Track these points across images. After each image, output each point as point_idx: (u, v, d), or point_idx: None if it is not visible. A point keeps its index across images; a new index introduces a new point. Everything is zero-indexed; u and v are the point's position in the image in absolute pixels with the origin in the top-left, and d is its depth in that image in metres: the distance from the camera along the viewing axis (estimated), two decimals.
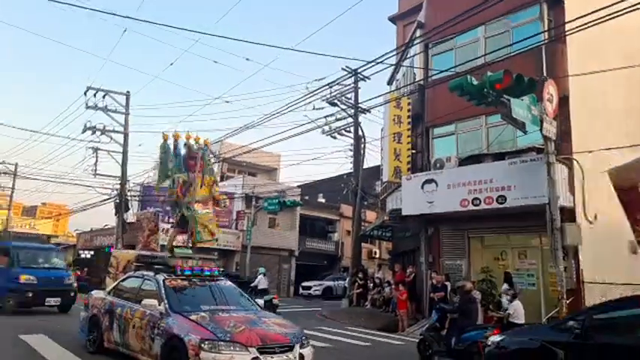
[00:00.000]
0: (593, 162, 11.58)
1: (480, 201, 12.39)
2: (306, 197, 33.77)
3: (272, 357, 5.95)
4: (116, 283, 8.48)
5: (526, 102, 9.78)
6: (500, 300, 11.65)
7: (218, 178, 13.00)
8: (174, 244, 9.21)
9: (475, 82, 9.15)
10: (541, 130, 9.88)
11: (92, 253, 30.60)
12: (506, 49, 11.22)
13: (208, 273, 8.02)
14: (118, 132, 21.61)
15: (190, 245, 8.97)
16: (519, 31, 12.87)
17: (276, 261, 30.44)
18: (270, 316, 7.41)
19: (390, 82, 21.96)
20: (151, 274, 7.70)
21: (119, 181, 22.05)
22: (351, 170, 22.31)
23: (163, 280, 7.30)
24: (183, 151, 9.11)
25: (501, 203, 11.94)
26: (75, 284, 14.76)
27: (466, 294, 9.10)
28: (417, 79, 16.62)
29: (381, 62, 11.68)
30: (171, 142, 9.17)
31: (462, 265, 14.02)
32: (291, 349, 6.16)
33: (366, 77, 20.37)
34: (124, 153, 21.83)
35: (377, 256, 33.94)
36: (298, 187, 33.52)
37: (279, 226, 31.64)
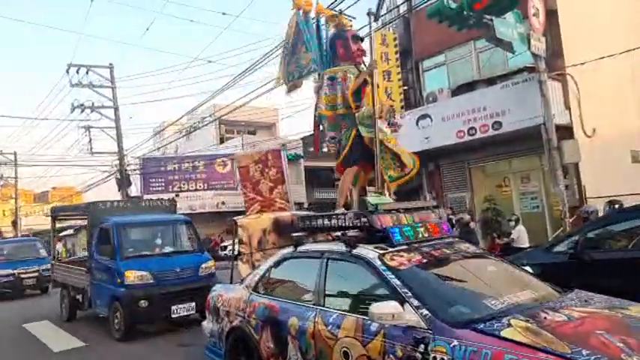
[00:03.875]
0: (587, 75, 11.11)
1: (476, 130, 12.07)
2: (310, 149, 33.33)
3: None
4: (263, 271, 4.89)
5: (510, 20, 9.31)
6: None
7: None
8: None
9: (453, 5, 8.66)
10: (529, 47, 9.45)
11: None
12: None
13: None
14: (107, 107, 21.35)
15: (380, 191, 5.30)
16: None
17: None
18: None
19: (376, 19, 21.03)
20: (340, 247, 4.08)
21: (117, 157, 22.06)
22: None
23: (380, 258, 3.67)
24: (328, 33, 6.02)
25: (497, 129, 11.63)
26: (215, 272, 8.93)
27: (465, 226, 9.06)
28: (400, 10, 15.89)
29: None
30: (311, 17, 5.94)
31: (466, 196, 13.94)
32: None
33: (352, 17, 19.48)
34: (117, 128, 21.66)
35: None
36: (301, 139, 32.96)
37: None
